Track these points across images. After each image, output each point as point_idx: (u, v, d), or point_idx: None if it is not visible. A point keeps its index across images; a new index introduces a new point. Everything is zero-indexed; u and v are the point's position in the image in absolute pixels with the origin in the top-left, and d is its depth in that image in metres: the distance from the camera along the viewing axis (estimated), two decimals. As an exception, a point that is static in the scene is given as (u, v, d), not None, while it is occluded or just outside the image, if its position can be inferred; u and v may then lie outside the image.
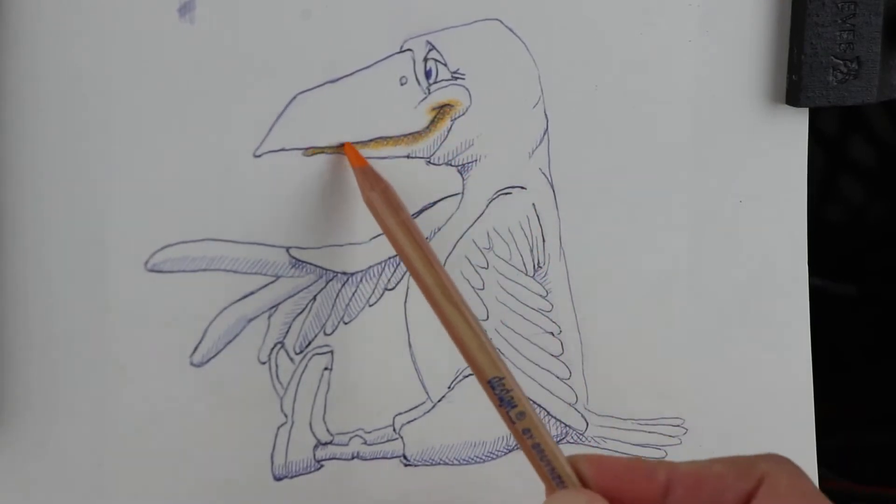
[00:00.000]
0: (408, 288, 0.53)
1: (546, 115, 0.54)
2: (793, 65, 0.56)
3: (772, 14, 0.56)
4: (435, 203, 0.52)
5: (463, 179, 0.53)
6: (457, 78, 0.52)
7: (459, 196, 0.53)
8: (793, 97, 0.56)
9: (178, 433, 0.50)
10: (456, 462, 0.54)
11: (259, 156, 0.49)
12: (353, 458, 0.53)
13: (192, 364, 0.50)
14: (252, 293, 0.50)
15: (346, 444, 0.53)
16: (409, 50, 0.51)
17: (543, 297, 0.55)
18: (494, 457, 0.55)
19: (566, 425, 0.56)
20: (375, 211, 0.50)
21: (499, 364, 0.48)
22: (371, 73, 0.51)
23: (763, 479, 0.45)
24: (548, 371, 0.55)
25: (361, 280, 0.52)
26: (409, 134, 0.52)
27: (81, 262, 0.48)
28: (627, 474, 0.46)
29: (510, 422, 0.47)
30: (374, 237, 0.52)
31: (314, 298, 0.51)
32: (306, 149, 0.50)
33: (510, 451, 0.55)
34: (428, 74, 0.51)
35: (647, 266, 0.56)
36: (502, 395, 0.47)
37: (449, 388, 0.54)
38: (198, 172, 0.49)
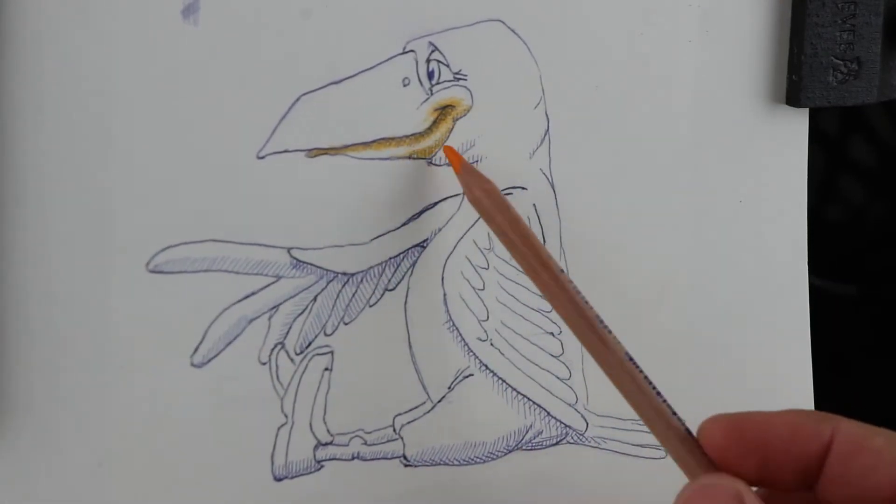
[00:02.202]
0: (408, 288, 0.53)
1: (547, 115, 0.54)
2: (793, 65, 0.56)
3: (772, 14, 0.56)
4: (436, 203, 0.52)
5: (464, 180, 0.53)
6: (459, 79, 0.52)
7: (460, 196, 0.53)
8: (793, 97, 0.56)
9: (178, 433, 0.50)
10: (456, 462, 0.54)
11: (263, 157, 0.49)
12: (353, 458, 0.53)
13: (192, 364, 0.50)
14: (253, 294, 0.50)
15: (347, 445, 0.53)
16: (411, 51, 0.51)
17: (543, 298, 0.55)
18: (494, 457, 0.55)
19: (566, 425, 0.56)
20: (483, 210, 0.50)
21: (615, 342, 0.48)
22: (374, 75, 0.51)
23: None
24: (548, 371, 0.55)
25: (362, 281, 0.52)
26: (412, 135, 0.52)
27: (83, 262, 0.48)
28: (785, 434, 0.45)
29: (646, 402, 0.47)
30: (375, 238, 0.52)
31: (315, 299, 0.51)
32: (310, 150, 0.50)
33: (510, 451, 0.55)
34: (430, 75, 0.51)
35: (647, 266, 0.56)
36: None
37: (449, 388, 0.54)
38: (201, 174, 0.49)
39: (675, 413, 0.47)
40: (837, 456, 0.45)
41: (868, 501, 0.44)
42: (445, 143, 0.52)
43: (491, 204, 0.50)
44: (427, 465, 0.54)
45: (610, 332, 0.48)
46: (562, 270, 0.49)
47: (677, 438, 0.47)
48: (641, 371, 0.47)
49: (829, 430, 0.45)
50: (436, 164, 0.52)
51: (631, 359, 0.48)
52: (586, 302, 0.49)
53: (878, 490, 0.44)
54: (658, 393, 0.47)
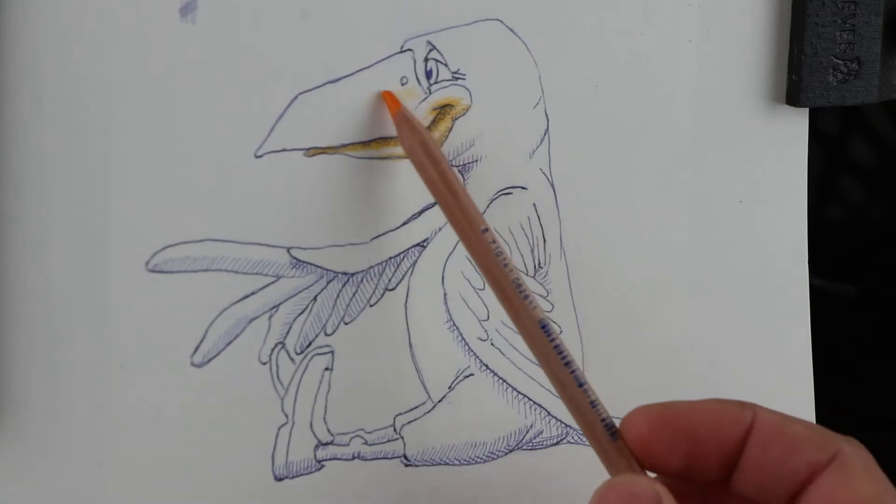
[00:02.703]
0: (408, 288, 0.53)
1: (546, 115, 0.54)
2: (793, 65, 0.56)
3: (772, 14, 0.56)
4: (436, 203, 0.52)
5: (464, 179, 0.53)
6: (457, 78, 0.52)
7: (460, 196, 0.53)
8: (793, 97, 0.56)
9: (178, 433, 0.50)
10: (456, 462, 0.54)
11: (260, 156, 0.49)
12: (353, 458, 0.53)
13: (192, 364, 0.50)
14: (253, 293, 0.50)
15: (347, 445, 0.53)
16: (409, 50, 0.51)
17: (544, 298, 0.55)
18: (495, 457, 0.55)
19: (566, 425, 0.56)
20: (417, 161, 0.50)
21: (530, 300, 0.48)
22: (372, 74, 0.51)
23: (837, 455, 0.44)
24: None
25: (362, 280, 0.52)
26: (411, 134, 0.52)
27: (82, 262, 0.48)
28: (711, 421, 0.46)
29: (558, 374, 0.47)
30: (375, 237, 0.52)
31: (315, 299, 0.51)
32: (308, 149, 0.50)
33: (510, 451, 0.55)
34: (429, 74, 0.51)
35: (647, 266, 0.56)
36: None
37: (449, 388, 0.54)
38: (199, 173, 0.49)
39: (595, 404, 0.47)
40: (757, 442, 0.45)
41: (784, 486, 0.45)
42: (385, 91, 0.51)
43: (423, 155, 0.50)
44: (427, 465, 0.54)
45: (528, 297, 0.48)
46: (486, 229, 0.49)
47: (598, 430, 0.47)
48: (562, 354, 0.48)
49: (749, 415, 0.45)
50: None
51: (549, 334, 0.48)
52: (506, 265, 0.49)
53: (795, 474, 0.45)
54: (578, 381, 0.47)
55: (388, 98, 0.51)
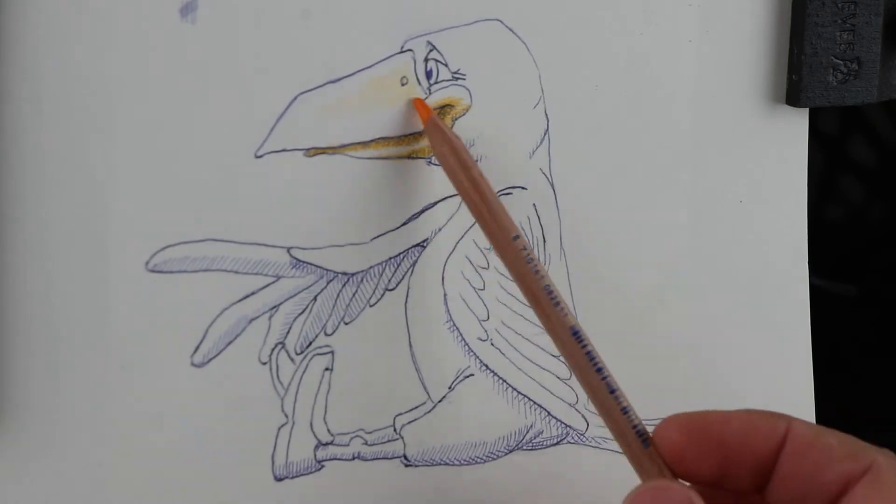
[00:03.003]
0: (408, 288, 0.53)
1: (546, 115, 0.54)
2: (793, 65, 0.56)
3: (772, 14, 0.56)
4: (436, 203, 0.52)
5: (464, 179, 0.53)
6: (457, 78, 0.52)
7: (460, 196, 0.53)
8: (793, 97, 0.56)
9: (178, 433, 0.50)
10: (456, 462, 0.54)
11: (260, 156, 0.49)
12: (353, 458, 0.53)
13: (192, 364, 0.50)
14: (253, 293, 0.50)
15: (347, 445, 0.53)
16: (409, 50, 0.51)
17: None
18: (495, 457, 0.55)
19: (567, 425, 0.56)
20: (448, 168, 0.50)
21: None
22: (372, 74, 0.51)
23: (871, 466, 0.44)
24: (548, 371, 0.55)
25: (362, 280, 0.52)
26: (410, 134, 0.52)
27: (82, 262, 0.48)
28: (744, 431, 0.45)
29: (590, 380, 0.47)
30: (375, 237, 0.52)
31: (315, 299, 0.51)
32: (308, 149, 0.50)
33: (510, 451, 0.55)
34: (429, 75, 0.51)
35: (646, 266, 0.56)
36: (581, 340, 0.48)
37: (449, 388, 0.54)
38: (199, 173, 0.49)
39: (626, 410, 0.47)
40: (790, 453, 0.45)
41: (818, 497, 0.45)
42: (416, 98, 0.52)
43: (455, 162, 0.50)
44: (427, 465, 0.54)
45: (559, 304, 0.48)
46: (517, 236, 0.49)
47: (630, 436, 0.47)
48: (594, 361, 0.48)
49: (783, 427, 0.45)
50: (435, 164, 0.52)
51: (581, 341, 0.48)
52: (538, 272, 0.49)
53: (828, 486, 0.44)
54: (610, 387, 0.47)
55: (418, 105, 0.51)
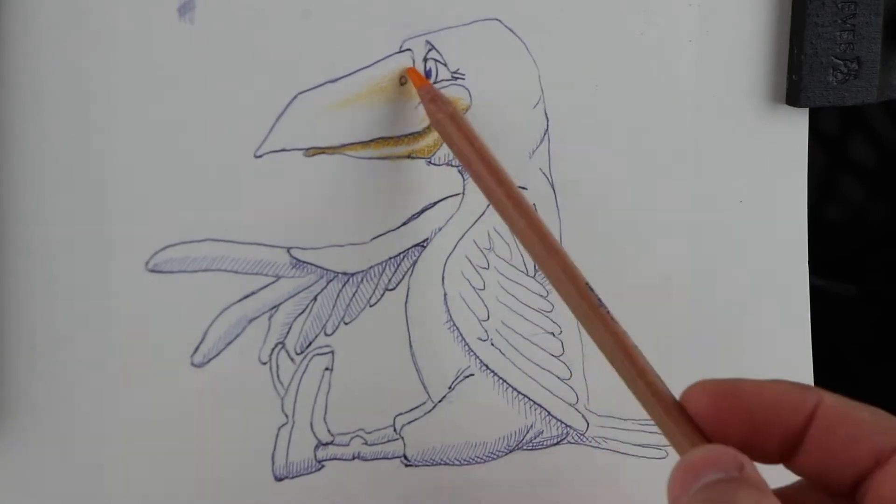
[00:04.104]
0: (408, 288, 0.53)
1: (546, 115, 0.54)
2: (793, 65, 0.56)
3: (772, 14, 0.56)
4: (436, 203, 0.52)
5: (463, 179, 0.53)
6: (457, 78, 0.52)
7: (460, 196, 0.53)
8: (793, 97, 0.56)
9: (178, 433, 0.50)
10: (457, 462, 0.54)
11: (260, 156, 0.49)
12: (353, 458, 0.53)
13: (192, 364, 0.50)
14: (253, 293, 0.50)
15: (347, 445, 0.53)
16: (408, 50, 0.51)
17: (544, 298, 0.55)
18: (495, 457, 0.55)
19: (567, 425, 0.56)
20: (444, 133, 0.50)
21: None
22: (371, 73, 0.51)
23: None
24: (548, 371, 0.55)
25: (362, 280, 0.52)
26: (410, 134, 0.52)
27: (82, 262, 0.48)
28: (774, 402, 0.45)
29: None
30: (375, 237, 0.52)
31: (315, 299, 0.51)
32: (307, 149, 0.50)
33: (511, 451, 0.55)
34: (428, 74, 0.51)
35: (646, 266, 0.56)
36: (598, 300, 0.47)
37: (450, 388, 0.54)
38: (198, 173, 0.49)
39: (657, 377, 0.47)
40: (820, 426, 0.44)
41: (847, 472, 0.44)
42: (409, 68, 0.51)
43: (454, 128, 0.50)
44: (427, 465, 0.54)
45: (582, 277, 0.48)
46: (522, 195, 0.49)
47: (660, 404, 0.46)
48: (620, 328, 0.47)
49: (814, 400, 0.45)
50: (435, 164, 0.52)
51: (607, 311, 0.47)
52: (550, 234, 0.48)
53: (857, 461, 0.44)
54: (637, 351, 0.47)
55: (412, 74, 0.51)
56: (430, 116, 0.51)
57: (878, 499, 0.43)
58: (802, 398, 0.45)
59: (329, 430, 0.52)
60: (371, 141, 0.51)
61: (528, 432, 0.55)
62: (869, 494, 0.44)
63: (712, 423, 0.45)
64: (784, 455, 0.45)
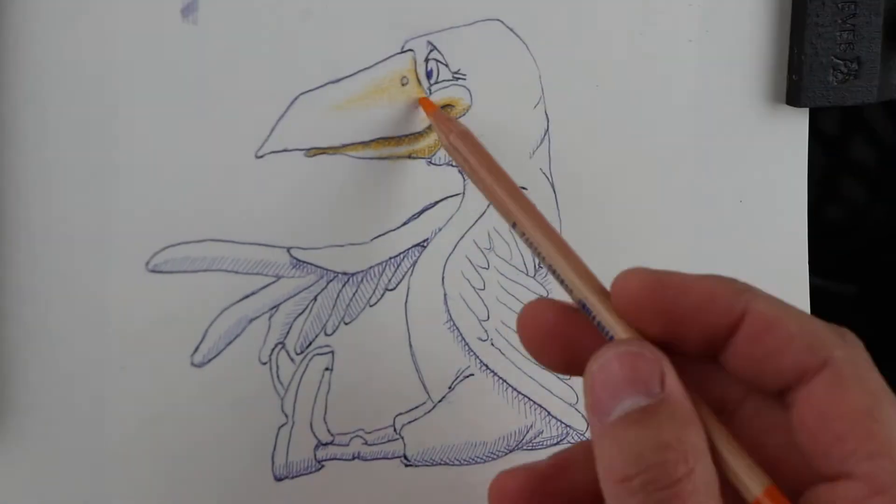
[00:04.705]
0: (408, 288, 0.53)
1: (547, 115, 0.54)
2: (793, 65, 0.56)
3: (772, 14, 0.56)
4: (436, 203, 0.52)
5: (464, 179, 0.53)
6: (458, 78, 0.52)
7: (460, 196, 0.53)
8: (793, 97, 0.56)
9: (178, 433, 0.50)
10: (456, 462, 0.54)
11: (261, 156, 0.49)
12: (353, 458, 0.53)
13: (192, 364, 0.50)
14: (253, 293, 0.50)
15: (347, 445, 0.53)
16: (410, 50, 0.51)
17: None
18: (495, 457, 0.55)
19: (567, 425, 0.56)
20: (457, 155, 0.50)
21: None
22: (372, 74, 0.51)
23: (828, 362, 0.42)
24: (548, 371, 0.55)
25: (362, 280, 0.52)
26: (411, 134, 0.52)
27: (82, 262, 0.48)
28: (700, 301, 0.43)
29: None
30: (375, 237, 0.52)
31: (315, 299, 0.51)
32: (308, 149, 0.50)
33: (511, 451, 0.55)
34: (429, 75, 0.52)
35: (647, 266, 0.56)
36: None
37: (450, 388, 0.54)
38: (199, 173, 0.49)
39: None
40: (747, 333, 0.43)
41: (770, 381, 0.43)
42: (422, 97, 0.51)
43: (466, 148, 0.50)
44: (427, 465, 0.54)
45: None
46: (534, 206, 0.48)
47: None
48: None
49: (743, 304, 0.43)
50: (435, 164, 0.52)
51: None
52: (555, 231, 0.47)
53: (781, 373, 0.42)
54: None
55: (424, 104, 0.51)
56: (441, 140, 0.51)
57: (801, 420, 0.42)
58: (731, 302, 0.43)
59: (329, 430, 0.52)
60: (372, 141, 0.51)
61: (528, 432, 0.55)
62: (794, 410, 0.42)
63: (635, 312, 0.43)
64: (708, 354, 0.44)
